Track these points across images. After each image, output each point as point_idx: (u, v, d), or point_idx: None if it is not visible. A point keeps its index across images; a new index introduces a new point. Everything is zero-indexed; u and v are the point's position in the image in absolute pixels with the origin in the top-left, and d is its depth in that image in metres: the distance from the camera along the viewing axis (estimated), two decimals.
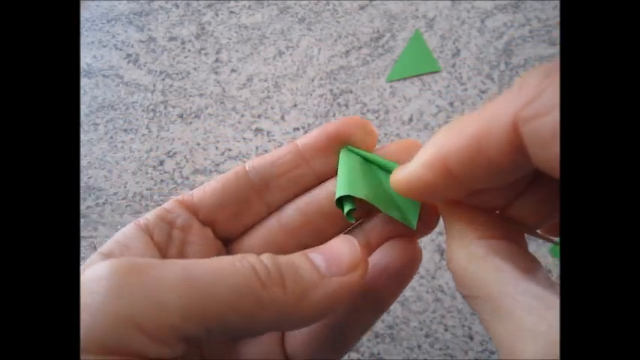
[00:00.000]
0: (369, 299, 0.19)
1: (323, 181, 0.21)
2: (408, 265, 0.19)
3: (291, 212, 0.21)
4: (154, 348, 0.13)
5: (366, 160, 0.20)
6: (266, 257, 0.16)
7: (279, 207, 0.21)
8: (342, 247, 0.17)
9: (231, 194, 0.20)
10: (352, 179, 0.19)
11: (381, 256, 0.19)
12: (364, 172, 0.20)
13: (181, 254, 0.19)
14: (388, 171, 0.20)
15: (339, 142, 0.20)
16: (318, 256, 0.16)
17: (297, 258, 0.16)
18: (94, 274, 0.13)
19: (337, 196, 0.19)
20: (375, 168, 0.20)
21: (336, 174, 0.20)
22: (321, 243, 0.18)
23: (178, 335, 0.13)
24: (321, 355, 0.20)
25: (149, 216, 0.19)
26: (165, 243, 0.19)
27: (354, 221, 0.20)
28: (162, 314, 0.13)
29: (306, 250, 0.17)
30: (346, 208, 0.19)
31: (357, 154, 0.20)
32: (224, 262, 0.15)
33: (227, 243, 0.21)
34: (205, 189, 0.20)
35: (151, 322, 0.13)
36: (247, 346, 0.20)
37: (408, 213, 0.19)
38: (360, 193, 0.19)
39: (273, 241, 0.20)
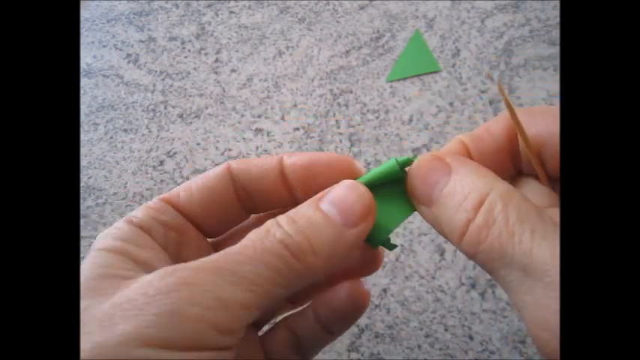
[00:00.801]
0: (328, 332, 0.22)
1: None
2: (357, 304, 0.21)
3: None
4: (222, 339, 0.15)
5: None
6: (286, 224, 0.17)
7: (259, 213, 0.22)
8: (352, 196, 0.18)
9: (216, 200, 0.21)
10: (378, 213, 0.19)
11: (332, 297, 0.21)
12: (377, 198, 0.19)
13: (179, 255, 0.20)
14: (386, 178, 0.19)
15: (325, 178, 0.20)
16: (331, 208, 0.18)
17: (313, 215, 0.17)
18: (153, 286, 0.15)
19: (381, 239, 0.19)
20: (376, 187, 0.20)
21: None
22: None
23: (242, 322, 0.15)
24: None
25: (139, 214, 0.19)
26: (164, 244, 0.19)
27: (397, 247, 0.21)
28: (224, 308, 0.15)
29: (317, 200, 0.18)
30: (386, 242, 0.20)
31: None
32: (257, 245, 0.16)
33: (214, 244, 0.22)
34: (192, 191, 0.20)
35: (217, 316, 0.15)
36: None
37: (403, 204, 0.19)
38: (394, 224, 0.19)
39: None
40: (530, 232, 0.15)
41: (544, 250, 0.14)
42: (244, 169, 0.20)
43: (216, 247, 0.22)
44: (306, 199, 0.20)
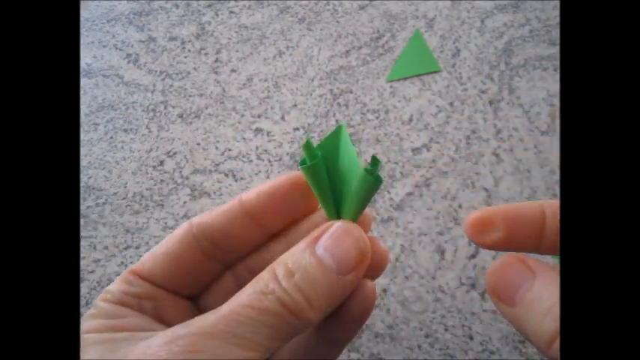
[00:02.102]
0: (326, 341, 0.20)
1: (274, 235, 0.22)
2: (363, 307, 0.19)
3: (245, 274, 0.22)
4: None
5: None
6: (283, 278, 0.17)
7: (233, 263, 0.22)
8: (347, 242, 0.18)
9: (182, 264, 0.20)
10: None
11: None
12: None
13: (160, 319, 0.20)
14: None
15: (289, 203, 0.20)
16: (326, 254, 0.18)
17: (308, 263, 0.17)
18: (163, 351, 0.16)
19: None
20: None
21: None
22: None
23: None
24: None
25: (113, 289, 0.20)
26: (142, 313, 0.20)
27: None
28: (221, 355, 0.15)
29: (312, 243, 0.18)
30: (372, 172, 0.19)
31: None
32: (255, 304, 0.17)
33: (194, 299, 0.22)
34: (156, 259, 0.20)
35: None
36: None
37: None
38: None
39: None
40: None
41: None
42: (207, 224, 0.20)
43: (198, 302, 0.22)
44: (277, 231, 0.21)
